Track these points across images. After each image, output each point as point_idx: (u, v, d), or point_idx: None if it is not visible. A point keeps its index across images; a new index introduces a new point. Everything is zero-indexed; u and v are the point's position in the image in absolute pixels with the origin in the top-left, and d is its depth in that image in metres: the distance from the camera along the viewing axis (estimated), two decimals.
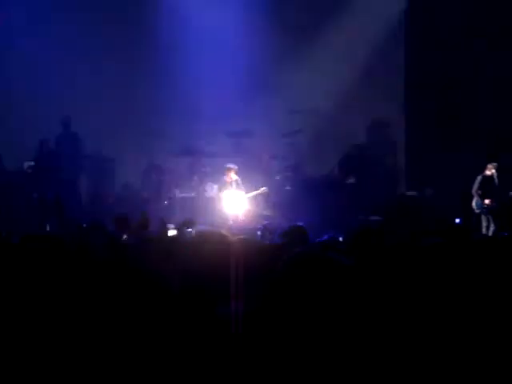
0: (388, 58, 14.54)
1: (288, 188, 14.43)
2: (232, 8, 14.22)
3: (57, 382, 2.59)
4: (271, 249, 4.30)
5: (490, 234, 11.81)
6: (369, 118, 14.86)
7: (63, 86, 13.90)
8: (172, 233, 7.08)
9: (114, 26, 14.07)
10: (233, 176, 12.64)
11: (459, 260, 3.02)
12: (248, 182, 13.04)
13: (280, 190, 14.26)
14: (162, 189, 14.31)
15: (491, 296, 2.87)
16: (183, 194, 14.16)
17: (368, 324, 2.50)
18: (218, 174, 13.36)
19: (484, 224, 12.39)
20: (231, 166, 12.71)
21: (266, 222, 10.32)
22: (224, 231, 3.33)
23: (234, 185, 12.62)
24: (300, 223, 5.74)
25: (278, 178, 14.58)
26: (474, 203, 12.54)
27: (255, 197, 13.00)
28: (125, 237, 6.94)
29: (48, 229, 11.50)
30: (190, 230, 6.80)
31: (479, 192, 12.50)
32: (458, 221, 11.39)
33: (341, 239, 5.22)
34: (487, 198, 12.38)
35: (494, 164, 12.49)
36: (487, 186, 12.46)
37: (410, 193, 13.98)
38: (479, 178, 12.55)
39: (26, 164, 13.41)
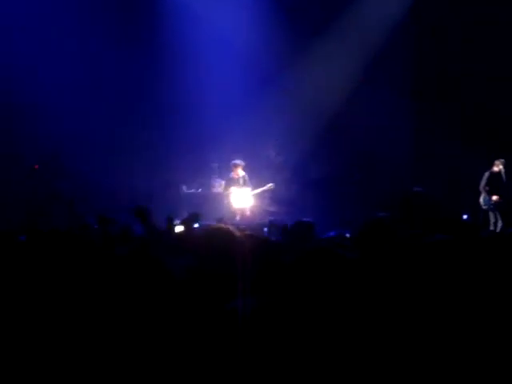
0: (395, 55, 14.50)
1: (294, 185, 14.44)
2: (242, 7, 14.19)
3: (72, 371, 2.60)
4: (278, 244, 4.30)
5: (498, 230, 11.79)
6: (375, 114, 14.82)
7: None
8: (179, 229, 7.05)
9: (120, 27, 13.97)
10: (240, 172, 12.64)
11: (468, 257, 3.01)
12: (255, 178, 13.04)
13: (287, 186, 14.26)
14: (168, 185, 14.30)
15: (500, 293, 2.87)
16: (190, 190, 14.18)
17: (375, 320, 2.51)
18: (225, 170, 13.37)
19: (492, 220, 12.35)
20: (238, 162, 12.69)
21: (272, 218, 10.31)
22: (231, 227, 3.34)
23: (241, 181, 12.63)
24: (307, 219, 5.72)
25: (284, 174, 14.57)
26: (481, 199, 12.49)
27: (262, 193, 13.01)
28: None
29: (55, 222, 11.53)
30: (196, 224, 6.77)
31: (487, 188, 12.45)
32: (465, 217, 11.35)
33: (348, 235, 5.23)
34: (495, 195, 12.35)
35: (502, 160, 12.42)
36: (495, 182, 12.40)
37: (416, 189, 13.96)
38: (487, 174, 12.50)
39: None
